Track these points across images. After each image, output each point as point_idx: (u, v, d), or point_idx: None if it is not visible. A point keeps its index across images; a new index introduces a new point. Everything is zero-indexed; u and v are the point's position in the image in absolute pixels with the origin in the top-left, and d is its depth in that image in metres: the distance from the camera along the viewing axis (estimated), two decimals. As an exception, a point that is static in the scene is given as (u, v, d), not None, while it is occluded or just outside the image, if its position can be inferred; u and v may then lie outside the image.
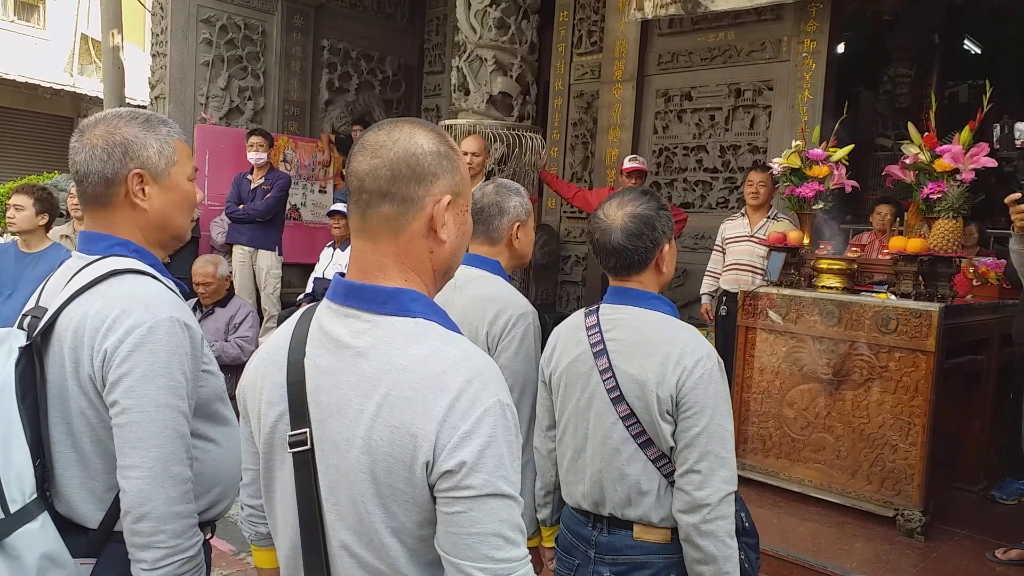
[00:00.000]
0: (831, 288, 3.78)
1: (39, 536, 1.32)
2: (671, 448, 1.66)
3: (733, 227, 5.07)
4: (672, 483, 1.67)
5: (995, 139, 3.00)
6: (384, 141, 1.08)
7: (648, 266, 1.74)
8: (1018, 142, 2.82)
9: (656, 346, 1.67)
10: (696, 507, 1.60)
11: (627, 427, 1.68)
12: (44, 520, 1.33)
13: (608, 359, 1.71)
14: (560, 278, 7.50)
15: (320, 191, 7.89)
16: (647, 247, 1.71)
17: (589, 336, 1.76)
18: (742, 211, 5.11)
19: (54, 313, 1.36)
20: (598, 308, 1.81)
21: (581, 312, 1.86)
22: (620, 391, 1.68)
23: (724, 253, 5.10)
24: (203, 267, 4.68)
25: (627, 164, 5.60)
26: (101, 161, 1.39)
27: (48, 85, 14.68)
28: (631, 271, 1.74)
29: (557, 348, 1.87)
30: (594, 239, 1.77)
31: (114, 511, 1.36)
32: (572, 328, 1.85)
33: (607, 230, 1.73)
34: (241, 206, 6.22)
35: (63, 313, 1.36)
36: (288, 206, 7.60)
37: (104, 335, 1.31)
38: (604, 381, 1.71)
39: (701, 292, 5.28)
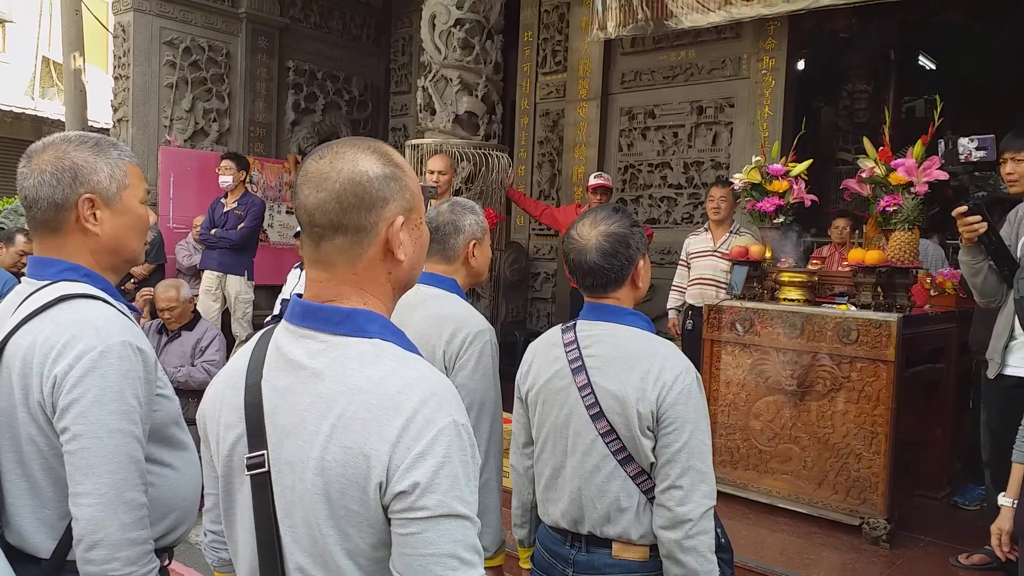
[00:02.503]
0: (793, 300, 3.83)
1: (-12, 568, 1.29)
2: (651, 464, 1.66)
3: (697, 242, 5.12)
4: (651, 500, 1.67)
5: (940, 154, 3.07)
6: (327, 171, 1.07)
7: (624, 283, 1.75)
8: (962, 157, 2.89)
9: (635, 362, 1.67)
10: (678, 523, 1.60)
11: (607, 443, 1.67)
12: (-6, 551, 1.31)
13: (587, 375, 1.71)
14: (530, 295, 7.52)
15: (288, 212, 7.86)
16: (622, 264, 1.72)
17: (567, 352, 1.76)
18: (705, 226, 5.17)
19: (3, 340, 1.34)
20: (575, 324, 1.81)
21: (557, 328, 1.86)
22: (600, 407, 1.68)
23: (689, 268, 5.15)
24: (165, 291, 4.63)
25: (592, 181, 5.66)
26: (50, 187, 1.37)
27: (9, 109, 14.44)
28: (607, 288, 1.75)
29: (533, 365, 1.86)
30: (569, 259, 1.77)
31: (67, 540, 1.33)
32: (549, 344, 1.84)
33: (582, 250, 1.73)
34: (213, 231, 6.18)
35: (12, 339, 1.33)
36: (257, 229, 7.56)
37: (54, 361, 1.29)
38: (583, 398, 1.70)
39: (668, 307, 5.32)
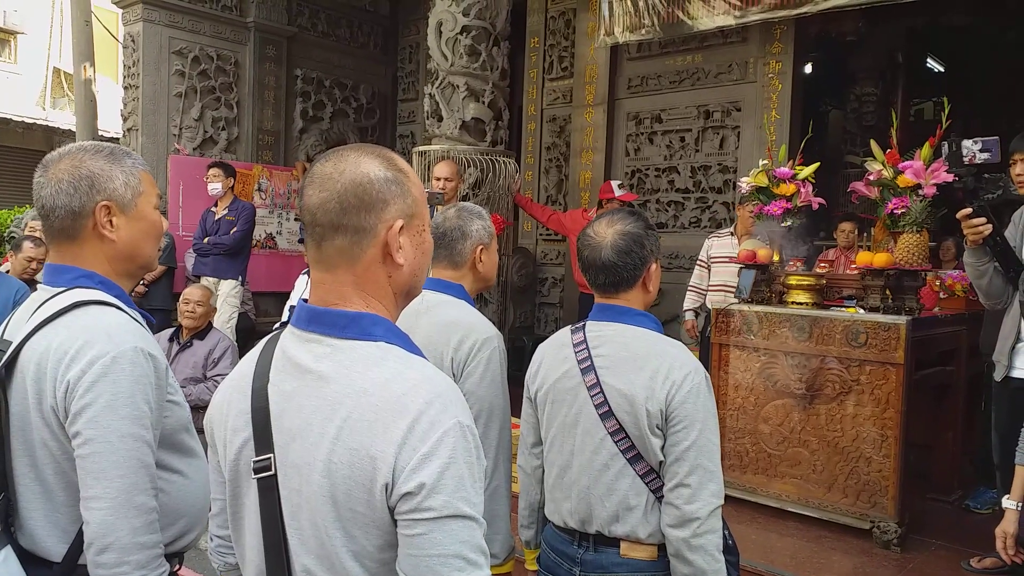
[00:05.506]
0: (801, 304, 3.83)
1: (1, 571, 1.30)
2: (660, 463, 1.68)
3: (721, 246, 5.08)
4: (659, 498, 1.68)
5: (944, 157, 3.05)
6: (331, 173, 1.09)
7: (635, 284, 1.77)
8: (966, 159, 2.87)
9: (644, 361, 1.69)
10: (686, 521, 1.61)
11: (616, 442, 1.69)
12: (7, 554, 1.32)
13: (596, 375, 1.72)
14: (538, 300, 7.53)
15: (296, 219, 7.89)
16: (635, 264, 1.74)
17: (576, 352, 1.78)
18: (731, 230, 5.13)
19: (18, 345, 1.36)
20: (584, 325, 1.83)
21: (567, 329, 1.88)
22: (609, 406, 1.69)
23: (709, 270, 5.12)
24: (196, 288, 4.73)
25: (619, 192, 5.56)
26: (67, 195, 1.39)
27: (20, 119, 14.56)
28: (619, 288, 1.77)
29: (543, 365, 1.88)
30: (584, 256, 1.80)
31: (78, 544, 1.34)
32: (558, 345, 1.86)
33: (597, 247, 1.76)
34: (206, 239, 6.22)
35: (26, 345, 1.35)
36: (264, 235, 7.60)
37: (67, 366, 1.31)
38: (592, 397, 1.72)
39: (684, 308, 5.27)
